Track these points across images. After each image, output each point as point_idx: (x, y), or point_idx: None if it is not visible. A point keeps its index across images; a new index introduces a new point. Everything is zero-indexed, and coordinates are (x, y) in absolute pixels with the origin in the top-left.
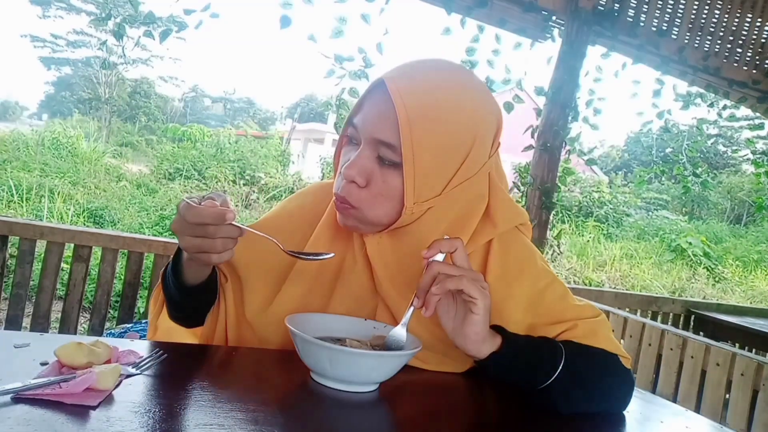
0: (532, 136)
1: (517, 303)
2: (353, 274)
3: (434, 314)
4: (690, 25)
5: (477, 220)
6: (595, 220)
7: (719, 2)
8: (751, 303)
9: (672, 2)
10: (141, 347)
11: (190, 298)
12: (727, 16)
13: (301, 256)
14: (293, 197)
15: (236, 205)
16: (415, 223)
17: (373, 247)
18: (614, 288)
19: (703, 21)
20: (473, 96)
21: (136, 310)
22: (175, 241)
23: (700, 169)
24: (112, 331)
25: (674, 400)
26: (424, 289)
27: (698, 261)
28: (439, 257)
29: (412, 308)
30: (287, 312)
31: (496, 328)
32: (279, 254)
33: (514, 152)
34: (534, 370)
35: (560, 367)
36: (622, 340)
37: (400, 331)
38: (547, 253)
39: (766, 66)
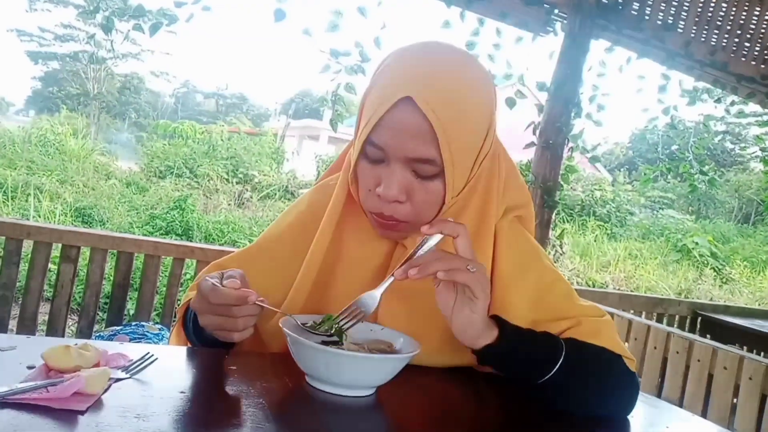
0: (534, 133)
1: (522, 298)
2: (361, 271)
3: (432, 303)
4: (697, 19)
5: (495, 200)
6: (598, 220)
7: None
8: (759, 305)
9: None
10: (130, 350)
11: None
12: (735, 9)
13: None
14: (292, 208)
15: (228, 205)
16: (445, 213)
17: (412, 242)
18: (618, 289)
19: (710, 14)
20: (483, 78)
21: (125, 312)
22: (166, 240)
23: (707, 167)
24: (101, 333)
25: (680, 405)
26: (416, 263)
27: (705, 261)
28: (435, 239)
29: (391, 278)
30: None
31: (496, 319)
32: (284, 267)
33: (516, 149)
34: (532, 364)
35: (559, 363)
36: (626, 343)
37: (372, 297)
38: (550, 253)
39: None
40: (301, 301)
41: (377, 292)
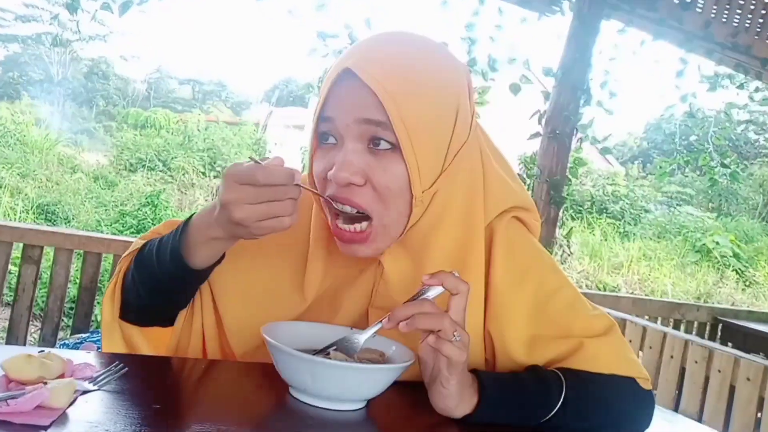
0: (540, 122)
1: (519, 312)
2: (355, 291)
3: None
4: None
5: (481, 199)
6: (609, 217)
7: None
8: None
9: None
10: (98, 360)
11: (183, 285)
12: None
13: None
14: None
15: (205, 200)
16: (425, 217)
17: (388, 259)
18: (631, 293)
19: None
20: (441, 57)
21: (93, 318)
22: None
23: (728, 159)
24: (66, 341)
25: (699, 420)
26: (403, 315)
27: (726, 263)
28: (433, 291)
29: (380, 324)
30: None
31: (475, 374)
32: (274, 265)
33: (519, 140)
34: (524, 416)
35: (556, 408)
36: (640, 352)
37: (357, 338)
38: (556, 253)
39: None
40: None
41: (362, 337)
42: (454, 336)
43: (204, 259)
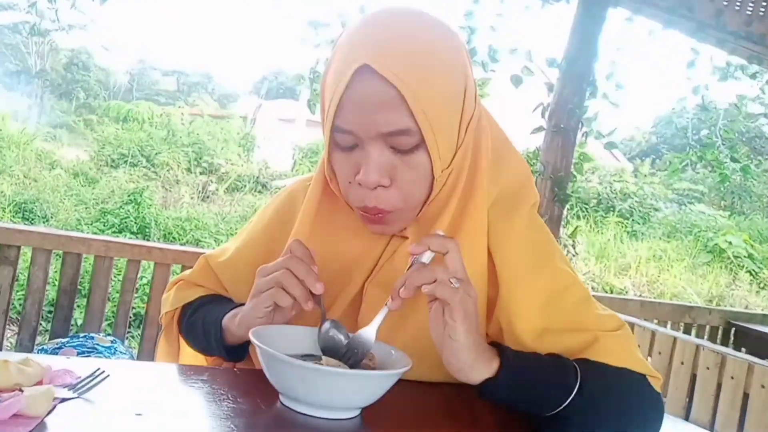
0: (543, 116)
1: (531, 302)
2: (351, 272)
3: (426, 309)
4: None
5: (486, 167)
6: (617, 216)
7: None
8: None
9: None
10: (78, 366)
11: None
12: None
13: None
14: (272, 202)
15: (191, 198)
16: (439, 195)
17: (412, 232)
18: (640, 296)
19: None
20: (446, 34)
21: (72, 322)
22: (119, 239)
23: (739, 153)
24: (45, 346)
25: (711, 429)
26: (400, 283)
27: (740, 264)
28: (427, 256)
29: (386, 309)
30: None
31: (495, 346)
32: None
33: (522, 135)
34: (542, 397)
35: (574, 392)
36: (649, 358)
37: (368, 334)
38: None
39: None
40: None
41: (372, 329)
42: (451, 282)
43: (251, 325)
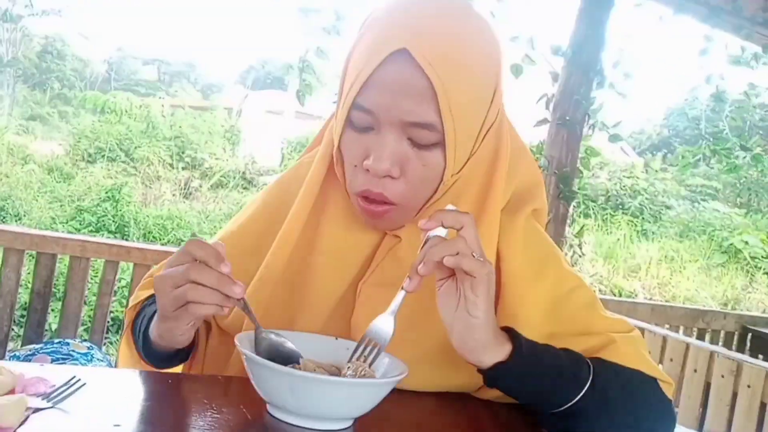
0: (547, 107)
1: (537, 306)
2: (344, 265)
3: (423, 308)
4: None
5: (501, 183)
6: (626, 214)
7: None
8: None
9: None
10: (53, 374)
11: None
12: None
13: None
14: (260, 194)
15: (173, 195)
16: (444, 196)
17: (406, 234)
18: (650, 299)
19: None
20: (487, 33)
21: (46, 327)
22: (96, 239)
23: (751, 141)
24: (17, 353)
25: None
26: (418, 261)
27: (757, 265)
28: (440, 231)
29: (403, 292)
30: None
31: (508, 331)
32: (245, 266)
33: (524, 128)
34: (553, 388)
35: (586, 387)
36: (660, 365)
37: (386, 321)
38: (567, 254)
39: None
40: (264, 298)
41: (389, 315)
42: (474, 254)
43: (175, 342)
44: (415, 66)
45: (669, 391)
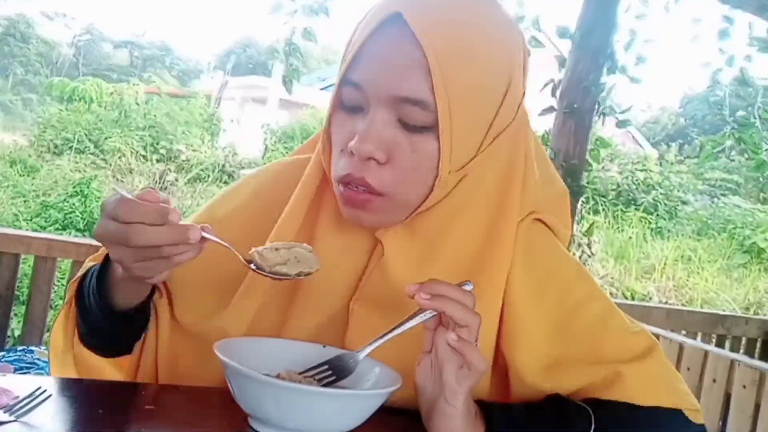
0: (554, 95)
1: (538, 329)
2: (327, 282)
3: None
4: None
5: (517, 195)
6: (640, 210)
7: None
8: None
9: None
10: (16, 384)
11: (120, 325)
12: None
13: (272, 275)
14: (247, 179)
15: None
16: (445, 202)
17: (391, 242)
18: (666, 303)
19: None
20: (502, 20)
21: (9, 333)
22: (63, 237)
23: None
24: None
25: None
26: (435, 290)
27: None
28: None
29: (385, 339)
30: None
31: (484, 407)
32: (230, 259)
33: (529, 116)
34: None
35: None
36: None
37: (353, 357)
38: (574, 254)
39: None
40: (254, 305)
41: (360, 354)
42: (476, 342)
43: (125, 298)
44: (409, 35)
45: (698, 419)
